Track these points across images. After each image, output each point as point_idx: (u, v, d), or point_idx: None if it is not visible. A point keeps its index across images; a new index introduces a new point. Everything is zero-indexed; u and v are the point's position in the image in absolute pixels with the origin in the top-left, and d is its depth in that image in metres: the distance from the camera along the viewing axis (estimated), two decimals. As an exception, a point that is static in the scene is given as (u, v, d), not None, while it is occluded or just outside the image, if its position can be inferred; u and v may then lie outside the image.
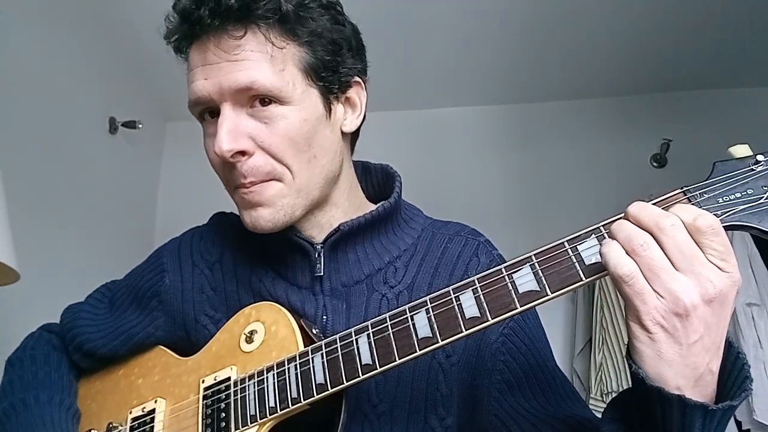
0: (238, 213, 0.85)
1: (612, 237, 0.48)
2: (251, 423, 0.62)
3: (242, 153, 0.63)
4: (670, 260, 0.45)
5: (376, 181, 0.83)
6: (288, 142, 0.64)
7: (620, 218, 0.49)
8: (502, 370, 0.68)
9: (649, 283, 0.45)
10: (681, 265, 0.45)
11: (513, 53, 2.58)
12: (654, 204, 0.49)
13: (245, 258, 0.77)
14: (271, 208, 0.66)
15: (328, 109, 0.68)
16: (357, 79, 0.71)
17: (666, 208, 0.48)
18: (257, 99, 0.63)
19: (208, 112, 0.66)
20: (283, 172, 0.65)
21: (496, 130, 2.94)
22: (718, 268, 0.45)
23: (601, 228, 0.51)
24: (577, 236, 0.51)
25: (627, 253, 0.46)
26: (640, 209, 0.48)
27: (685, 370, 0.45)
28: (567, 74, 2.74)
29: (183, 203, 2.78)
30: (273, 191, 0.65)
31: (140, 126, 2.45)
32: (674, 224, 0.45)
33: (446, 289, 0.55)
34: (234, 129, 0.62)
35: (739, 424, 2.25)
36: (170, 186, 2.91)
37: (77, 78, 2.14)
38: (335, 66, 0.67)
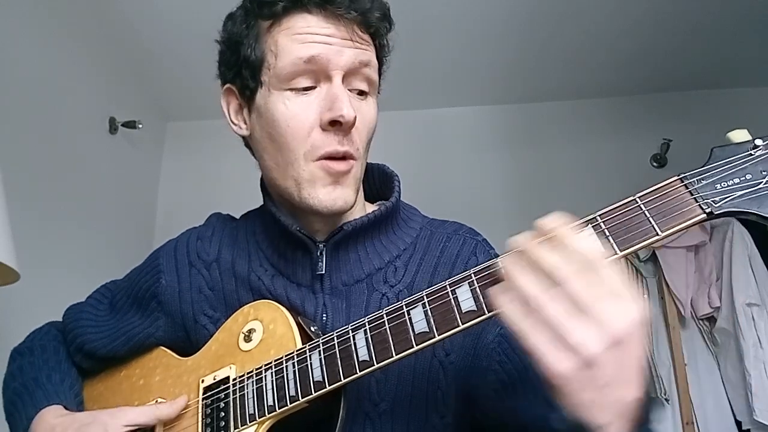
0: (233, 215, 0.85)
1: (507, 283, 0.48)
2: (250, 422, 0.62)
3: (353, 124, 0.66)
4: (567, 308, 0.45)
5: (373, 181, 0.83)
6: (371, 130, 0.71)
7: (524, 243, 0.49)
8: (497, 370, 0.68)
9: (548, 339, 0.45)
10: (581, 312, 0.44)
11: (513, 53, 2.58)
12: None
13: (244, 256, 0.77)
14: (348, 188, 0.68)
15: None
16: None
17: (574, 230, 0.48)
18: (355, 86, 0.68)
19: (300, 82, 0.66)
20: (361, 153, 0.70)
21: (496, 130, 2.94)
22: (616, 307, 0.44)
23: (598, 218, 0.50)
24: (573, 227, 0.51)
25: (523, 310, 0.46)
26: (539, 257, 0.47)
27: (605, 409, 0.45)
28: (567, 74, 2.74)
29: (183, 203, 2.79)
30: (353, 171, 0.68)
31: (140, 126, 2.45)
32: (572, 273, 0.45)
33: (442, 284, 0.55)
34: (350, 100, 0.66)
35: (739, 424, 2.25)
36: (170, 186, 2.91)
37: (77, 78, 2.14)
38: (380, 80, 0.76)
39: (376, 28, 0.69)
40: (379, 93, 0.76)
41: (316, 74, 0.66)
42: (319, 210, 0.67)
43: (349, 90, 0.67)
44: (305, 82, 0.66)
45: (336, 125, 0.65)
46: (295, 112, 0.66)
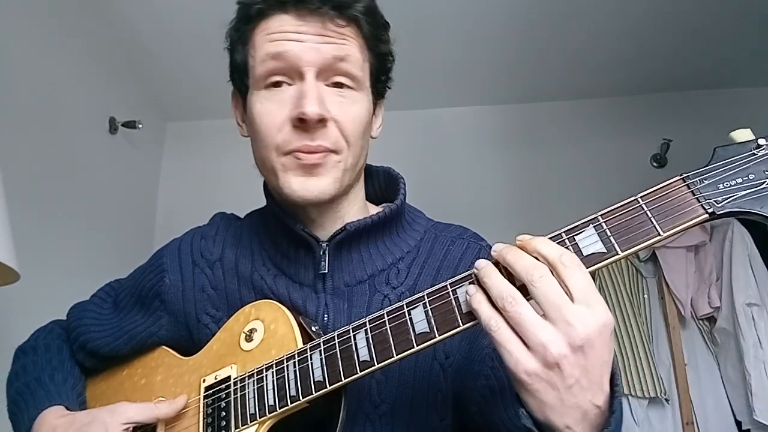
0: (237, 215, 0.85)
1: (481, 283, 0.50)
2: (251, 422, 0.62)
3: (321, 120, 0.65)
4: (536, 309, 0.47)
5: (378, 183, 0.83)
6: (356, 124, 0.69)
7: (499, 248, 0.51)
8: (488, 375, 0.68)
9: (517, 335, 0.47)
10: (548, 313, 0.46)
11: (513, 53, 2.58)
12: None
13: (247, 256, 0.77)
14: (326, 179, 0.67)
15: (372, 112, 0.74)
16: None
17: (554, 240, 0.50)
18: (336, 80, 0.67)
19: (273, 81, 0.67)
20: (344, 147, 0.68)
21: (496, 130, 2.94)
22: (584, 311, 0.46)
23: (599, 218, 0.50)
24: (575, 227, 0.51)
25: (495, 307, 0.48)
26: (516, 259, 0.49)
27: (568, 410, 0.46)
28: (567, 74, 2.74)
29: (183, 203, 2.79)
30: (331, 162, 0.67)
31: (140, 126, 2.45)
32: (542, 276, 0.47)
33: (443, 284, 0.55)
34: (321, 96, 0.65)
35: (739, 424, 2.25)
36: (170, 186, 2.91)
37: (77, 78, 2.14)
38: (385, 77, 0.76)
39: (356, 20, 0.67)
40: (388, 87, 0.77)
41: (289, 72, 0.66)
42: (294, 200, 0.67)
43: (327, 85, 0.67)
44: (280, 81, 0.67)
45: (303, 122, 0.64)
46: (268, 110, 0.67)
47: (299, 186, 0.66)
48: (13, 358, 0.85)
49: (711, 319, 2.40)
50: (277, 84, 0.67)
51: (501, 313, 0.48)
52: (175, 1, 2.14)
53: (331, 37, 0.66)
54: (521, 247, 0.50)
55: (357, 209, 0.76)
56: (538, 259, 0.48)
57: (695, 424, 2.26)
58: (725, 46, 2.54)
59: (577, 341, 0.45)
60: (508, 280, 0.49)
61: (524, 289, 0.48)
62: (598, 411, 0.47)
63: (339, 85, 0.67)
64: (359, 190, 0.77)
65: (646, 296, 2.46)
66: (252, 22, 0.69)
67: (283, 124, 0.66)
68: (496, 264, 0.51)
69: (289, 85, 0.67)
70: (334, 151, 0.67)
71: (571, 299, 0.46)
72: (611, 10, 2.29)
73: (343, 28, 0.66)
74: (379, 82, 0.74)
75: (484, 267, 0.51)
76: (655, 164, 2.82)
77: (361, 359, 0.56)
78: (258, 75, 0.68)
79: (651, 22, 2.37)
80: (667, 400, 2.29)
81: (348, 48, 0.67)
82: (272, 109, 0.67)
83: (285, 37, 0.66)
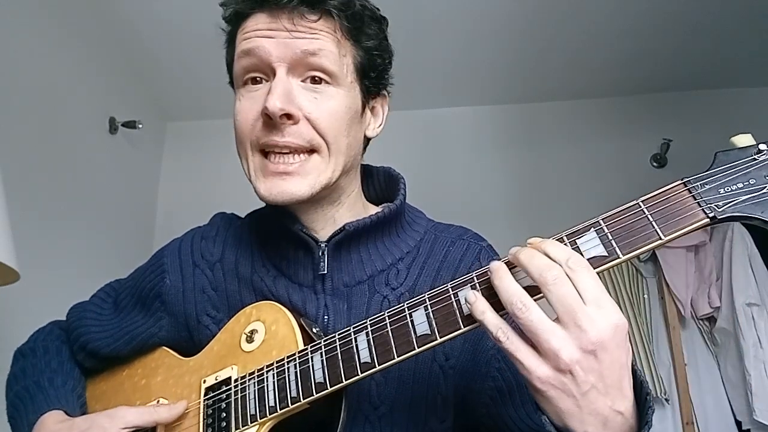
0: (238, 214, 0.85)
1: (491, 283, 0.50)
2: (251, 423, 0.62)
3: (289, 117, 0.64)
4: (547, 314, 0.46)
5: (378, 184, 0.83)
6: (333, 121, 0.67)
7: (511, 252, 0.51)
8: (495, 377, 0.68)
9: (528, 343, 0.47)
10: (561, 317, 0.45)
11: (513, 53, 2.58)
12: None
13: (247, 257, 0.77)
14: (300, 182, 0.66)
15: (363, 109, 0.72)
16: (384, 91, 0.77)
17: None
18: (311, 75, 0.66)
19: (251, 77, 0.68)
20: (321, 144, 0.67)
21: (496, 130, 2.94)
22: (595, 314, 0.45)
23: (601, 221, 0.50)
24: (576, 230, 0.51)
25: (508, 310, 0.48)
26: (529, 258, 0.48)
27: (587, 417, 0.45)
28: (567, 74, 2.74)
29: (183, 203, 2.79)
30: (308, 163, 0.66)
31: (140, 126, 2.45)
32: (557, 278, 0.46)
33: (445, 287, 0.55)
34: (288, 92, 0.65)
35: (739, 424, 2.25)
36: (170, 186, 2.91)
37: (77, 78, 2.14)
38: (379, 73, 0.73)
39: (329, 13, 0.66)
40: (383, 83, 0.75)
41: (263, 69, 0.67)
42: (267, 202, 0.68)
43: (303, 81, 0.66)
44: (256, 79, 0.68)
45: (271, 118, 0.64)
46: (244, 107, 0.68)
47: (267, 192, 0.66)
48: (12, 360, 0.85)
49: (711, 319, 2.40)
50: (256, 81, 0.67)
51: (508, 319, 0.47)
52: (175, 1, 2.14)
53: (302, 32, 0.65)
54: (530, 247, 0.50)
55: (349, 209, 0.76)
56: None
57: (695, 424, 2.26)
58: (725, 46, 2.54)
59: (588, 346, 0.44)
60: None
61: (533, 289, 0.48)
62: (622, 418, 0.46)
63: (317, 81, 0.66)
64: (352, 190, 0.76)
65: (646, 296, 2.46)
66: (235, 23, 0.70)
67: (256, 121, 0.66)
68: (510, 265, 0.51)
69: (267, 81, 0.67)
70: (313, 151, 0.66)
71: (583, 303, 0.45)
72: (611, 10, 2.29)
73: (314, 23, 0.65)
74: (368, 78, 0.72)
75: (498, 268, 0.50)
76: (655, 164, 2.82)
77: (362, 361, 0.57)
78: (236, 73, 0.69)
79: (651, 22, 2.37)
80: (667, 400, 2.29)
81: (320, 42, 0.65)
82: (247, 105, 0.67)
83: (257, 34, 0.66)
